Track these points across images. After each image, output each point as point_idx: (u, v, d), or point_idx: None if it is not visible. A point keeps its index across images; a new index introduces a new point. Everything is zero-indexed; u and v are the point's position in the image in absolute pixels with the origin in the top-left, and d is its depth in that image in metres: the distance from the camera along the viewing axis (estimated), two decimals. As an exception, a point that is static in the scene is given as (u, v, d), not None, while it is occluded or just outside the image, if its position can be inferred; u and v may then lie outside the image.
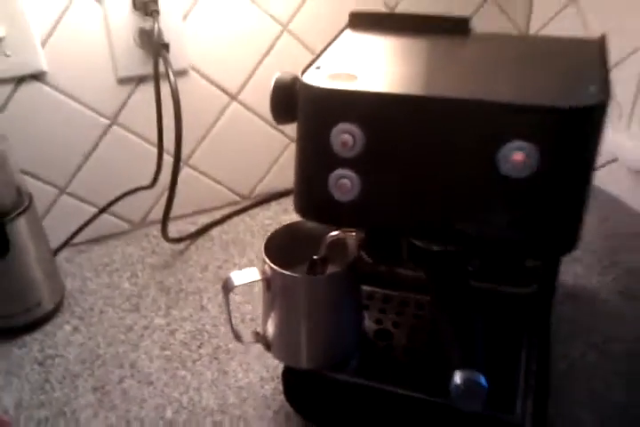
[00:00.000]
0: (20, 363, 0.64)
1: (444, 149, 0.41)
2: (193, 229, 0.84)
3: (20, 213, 0.63)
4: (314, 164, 0.45)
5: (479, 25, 0.96)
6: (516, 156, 0.39)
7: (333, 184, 0.44)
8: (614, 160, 0.88)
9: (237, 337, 0.53)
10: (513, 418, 0.49)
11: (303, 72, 0.44)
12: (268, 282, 0.50)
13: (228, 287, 0.49)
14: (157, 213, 0.80)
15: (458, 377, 0.40)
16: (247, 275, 0.50)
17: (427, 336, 0.56)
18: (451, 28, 0.51)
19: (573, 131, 0.38)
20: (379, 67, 0.46)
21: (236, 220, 0.87)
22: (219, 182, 0.88)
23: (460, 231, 0.42)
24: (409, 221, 0.44)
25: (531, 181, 0.39)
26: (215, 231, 0.85)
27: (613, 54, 0.82)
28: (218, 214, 0.87)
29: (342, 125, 0.42)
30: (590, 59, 0.46)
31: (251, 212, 0.88)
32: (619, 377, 0.60)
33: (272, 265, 0.48)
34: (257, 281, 0.49)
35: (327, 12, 0.82)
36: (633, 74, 0.80)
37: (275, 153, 0.89)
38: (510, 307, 0.59)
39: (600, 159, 0.87)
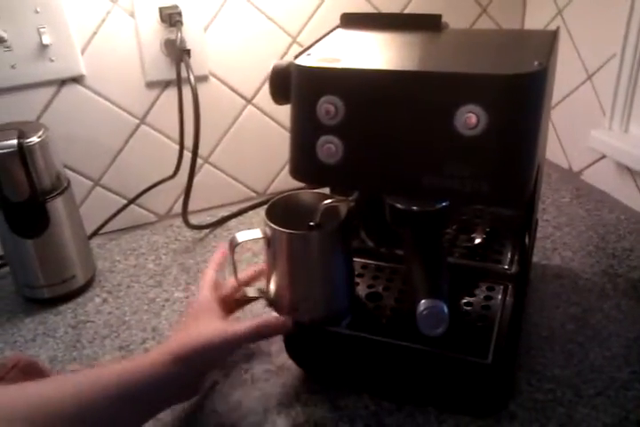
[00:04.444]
0: (56, 327, 0.73)
1: (412, 114, 0.49)
2: (212, 220, 0.93)
3: (58, 194, 0.72)
4: (304, 132, 0.53)
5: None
6: (469, 117, 0.46)
7: (320, 149, 0.52)
8: (602, 157, 0.94)
9: (243, 291, 0.60)
10: (485, 362, 0.55)
11: (296, 57, 0.53)
12: (268, 240, 0.57)
13: (233, 244, 0.57)
14: (180, 206, 0.88)
15: (422, 305, 0.47)
16: (250, 233, 0.57)
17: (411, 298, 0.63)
18: (426, 23, 0.59)
19: (513, 94, 0.46)
20: (361, 53, 0.54)
21: (251, 213, 0.95)
22: (236, 179, 0.97)
23: (429, 186, 0.50)
24: (385, 179, 0.51)
25: (484, 138, 0.46)
26: (232, 222, 0.93)
27: (593, 61, 0.90)
28: (235, 208, 0.95)
29: (326, 97, 0.50)
30: (543, 44, 0.54)
31: (265, 206, 0.96)
32: (595, 342, 0.66)
33: (271, 224, 0.56)
34: (258, 239, 0.57)
35: (332, 26, 0.91)
36: (611, 79, 0.87)
37: (287, 153, 0.97)
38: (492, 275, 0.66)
39: (589, 157, 0.94)
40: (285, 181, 0.99)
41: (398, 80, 0.48)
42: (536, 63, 0.47)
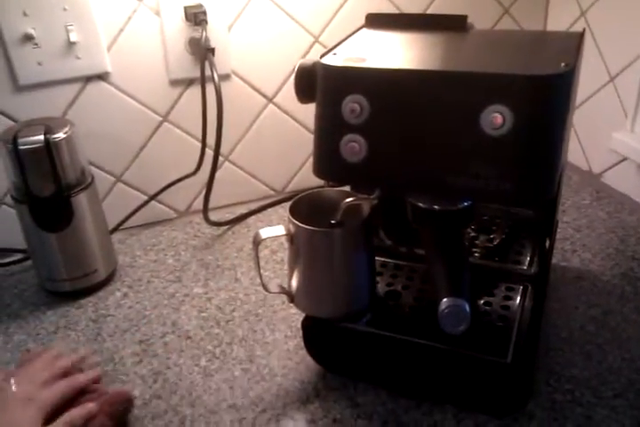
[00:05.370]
0: (77, 320, 0.74)
1: (437, 114, 0.49)
2: (231, 217, 0.93)
3: (82, 189, 0.73)
4: (328, 130, 0.53)
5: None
6: (495, 117, 0.47)
7: (344, 147, 0.52)
8: (624, 160, 0.93)
9: (265, 287, 0.61)
10: (505, 362, 0.55)
11: (322, 57, 0.54)
12: (291, 237, 0.58)
13: (257, 240, 0.57)
14: (200, 203, 0.89)
15: (444, 304, 0.47)
16: (273, 230, 0.58)
17: (430, 297, 0.63)
18: (451, 24, 0.59)
19: (540, 95, 0.46)
20: (386, 53, 0.54)
21: (270, 211, 0.96)
22: (255, 177, 0.97)
23: (453, 185, 0.50)
24: (409, 178, 0.52)
25: (509, 138, 0.47)
26: (251, 220, 0.94)
27: (616, 62, 0.90)
28: (253, 206, 0.96)
29: (351, 96, 0.50)
30: (569, 45, 0.54)
31: (284, 204, 0.97)
32: (614, 344, 0.65)
33: (294, 220, 0.56)
34: (281, 235, 0.57)
35: (353, 26, 0.92)
36: (635, 80, 0.87)
37: (307, 152, 0.98)
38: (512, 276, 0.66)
39: (609, 159, 0.94)
40: (304, 180, 1.00)
41: (424, 80, 0.49)
42: (563, 64, 0.47)
